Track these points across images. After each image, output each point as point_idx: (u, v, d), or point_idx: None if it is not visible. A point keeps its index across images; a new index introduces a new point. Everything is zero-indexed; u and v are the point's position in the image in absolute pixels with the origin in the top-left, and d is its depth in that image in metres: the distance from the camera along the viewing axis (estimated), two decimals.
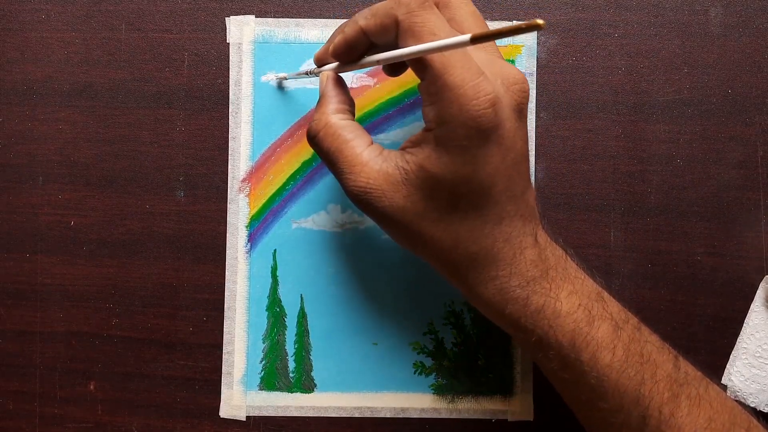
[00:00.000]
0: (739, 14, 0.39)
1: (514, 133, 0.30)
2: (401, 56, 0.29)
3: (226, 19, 0.40)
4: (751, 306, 0.39)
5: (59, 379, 0.40)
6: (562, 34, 0.40)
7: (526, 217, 0.32)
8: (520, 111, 0.31)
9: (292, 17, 0.40)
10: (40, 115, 0.40)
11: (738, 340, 0.39)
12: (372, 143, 0.32)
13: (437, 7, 0.32)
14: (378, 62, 0.32)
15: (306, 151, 0.40)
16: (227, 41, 0.40)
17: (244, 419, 0.39)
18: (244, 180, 0.40)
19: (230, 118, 0.40)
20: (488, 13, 0.40)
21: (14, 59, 0.40)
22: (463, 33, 0.30)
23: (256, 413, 0.39)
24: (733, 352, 0.39)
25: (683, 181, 0.39)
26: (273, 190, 0.40)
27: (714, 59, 0.39)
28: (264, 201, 0.40)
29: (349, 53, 0.33)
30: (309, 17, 0.40)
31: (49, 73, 0.40)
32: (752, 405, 0.38)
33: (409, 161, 0.31)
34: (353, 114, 0.34)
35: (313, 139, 0.33)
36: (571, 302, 0.31)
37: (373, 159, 0.31)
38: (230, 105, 0.40)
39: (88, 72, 0.40)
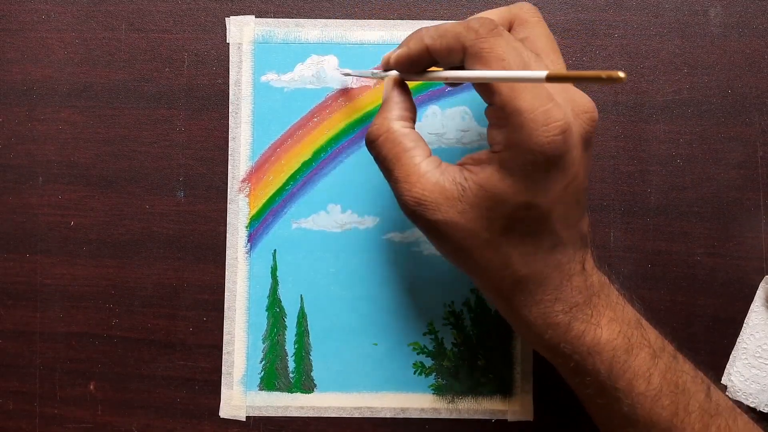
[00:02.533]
0: (739, 14, 0.39)
1: (579, 162, 0.30)
2: (470, 78, 0.30)
3: (226, 19, 0.40)
4: (751, 306, 0.39)
5: (59, 379, 0.40)
6: (562, 34, 0.40)
7: (578, 245, 0.32)
8: (588, 140, 0.31)
9: (292, 17, 0.40)
10: (40, 115, 0.40)
11: (738, 340, 0.39)
12: (431, 154, 0.32)
13: (514, 24, 0.33)
14: (444, 78, 0.32)
15: (306, 151, 0.40)
16: (227, 41, 0.40)
17: (244, 419, 0.39)
18: (244, 180, 0.40)
19: (230, 118, 0.40)
20: None
21: (14, 59, 0.40)
22: (536, 53, 0.31)
23: (256, 413, 0.39)
24: (733, 352, 0.39)
25: (683, 181, 0.39)
26: (273, 191, 0.40)
27: (714, 59, 0.39)
28: (264, 201, 0.40)
29: (410, 67, 0.33)
30: (309, 17, 0.40)
31: (49, 73, 0.40)
32: (752, 405, 0.38)
33: (468, 179, 0.30)
34: (414, 121, 0.34)
35: (371, 143, 0.33)
36: (612, 329, 0.31)
37: (431, 171, 0.31)
38: (230, 105, 0.40)
39: (88, 72, 0.40)
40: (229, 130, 0.40)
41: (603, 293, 0.32)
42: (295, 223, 0.39)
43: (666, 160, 0.39)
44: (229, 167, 0.40)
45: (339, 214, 0.39)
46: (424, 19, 0.40)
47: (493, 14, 0.33)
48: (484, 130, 0.39)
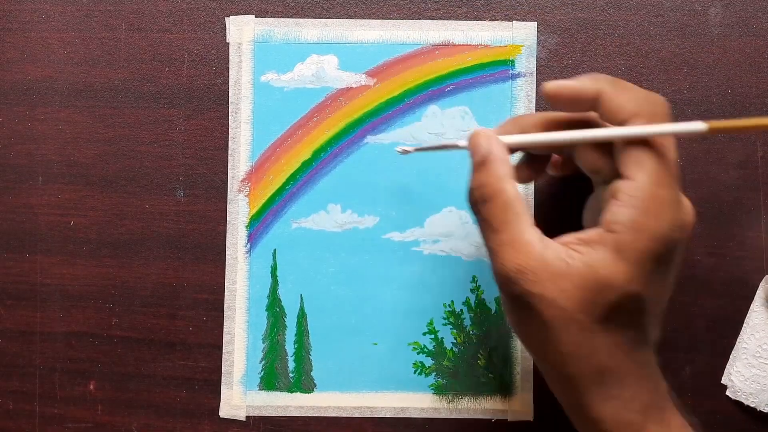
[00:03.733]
0: (739, 14, 0.39)
1: (680, 261, 0.30)
2: (633, 135, 0.29)
3: (226, 19, 0.40)
4: (751, 306, 0.39)
5: (59, 379, 0.40)
6: (562, 34, 0.40)
7: (655, 347, 0.31)
8: (685, 243, 0.31)
9: (292, 17, 0.40)
10: (40, 115, 0.40)
11: (738, 340, 0.39)
12: (534, 224, 0.30)
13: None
14: (589, 138, 0.30)
15: (306, 151, 0.40)
16: (227, 41, 0.40)
17: (244, 419, 0.39)
18: (244, 180, 0.40)
19: (230, 118, 0.40)
20: (488, 12, 0.40)
21: (14, 59, 0.40)
22: (664, 149, 0.30)
23: (256, 413, 0.39)
24: (733, 352, 0.39)
25: (683, 181, 0.39)
26: (273, 190, 0.40)
27: (714, 59, 0.39)
28: (264, 201, 0.40)
29: (566, 104, 0.31)
30: (309, 17, 0.40)
31: (49, 73, 0.40)
32: (752, 405, 0.38)
33: (574, 257, 0.29)
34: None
35: (480, 204, 0.31)
36: None
37: (535, 241, 0.29)
38: (230, 105, 0.40)
39: (88, 72, 0.40)
40: (229, 129, 0.40)
41: (670, 399, 0.31)
42: (295, 223, 0.39)
43: None
44: (229, 167, 0.40)
45: (339, 214, 0.39)
46: (424, 19, 0.40)
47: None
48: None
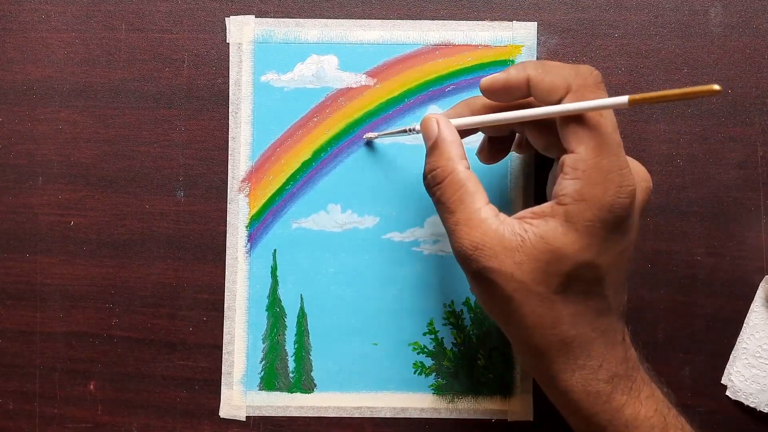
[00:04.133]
0: (739, 14, 0.39)
1: (634, 229, 0.31)
2: (563, 112, 0.30)
3: (226, 19, 0.40)
4: (751, 306, 0.39)
5: (59, 379, 0.40)
6: (562, 34, 0.40)
7: (620, 315, 0.32)
8: (642, 209, 0.32)
9: (292, 17, 0.40)
10: (40, 115, 0.40)
11: (738, 340, 0.39)
12: (488, 201, 0.32)
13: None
14: (522, 117, 0.31)
15: (306, 151, 0.40)
16: (227, 41, 0.40)
17: (244, 419, 0.39)
18: (244, 180, 0.40)
19: (230, 118, 0.40)
20: (488, 13, 0.40)
21: (14, 59, 0.40)
22: (601, 116, 0.30)
23: (256, 413, 0.39)
24: (733, 352, 0.39)
25: (683, 181, 0.39)
26: (273, 190, 0.40)
27: (714, 59, 0.39)
28: (264, 201, 0.40)
29: (502, 95, 0.32)
30: (309, 17, 0.40)
31: (49, 73, 0.40)
32: (752, 405, 0.38)
33: (528, 230, 0.30)
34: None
35: (436, 186, 0.32)
36: (649, 406, 0.31)
37: (490, 218, 0.31)
38: (230, 105, 0.40)
39: (88, 72, 0.40)
40: (229, 129, 0.40)
41: (640, 368, 0.32)
42: (295, 223, 0.39)
43: (666, 160, 0.39)
44: (229, 167, 0.40)
45: (339, 214, 0.39)
46: (424, 19, 0.40)
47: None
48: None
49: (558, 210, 0.30)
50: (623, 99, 0.27)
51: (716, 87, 0.23)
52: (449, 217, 0.31)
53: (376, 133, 0.39)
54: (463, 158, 0.32)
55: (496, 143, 0.36)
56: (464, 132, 0.34)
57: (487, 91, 0.33)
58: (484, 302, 0.32)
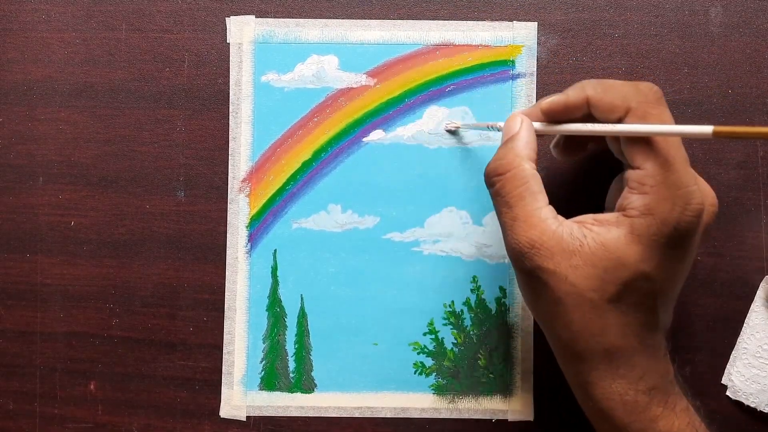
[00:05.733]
0: (739, 14, 0.39)
1: (696, 248, 0.31)
2: (632, 132, 0.29)
3: (226, 19, 0.40)
4: (751, 306, 0.39)
5: (59, 379, 0.40)
6: (562, 34, 0.40)
7: (665, 331, 0.32)
8: (706, 231, 0.31)
9: (292, 17, 0.40)
10: (40, 115, 0.40)
11: (738, 340, 0.39)
12: (548, 203, 0.31)
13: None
14: (594, 132, 0.31)
15: (306, 151, 0.40)
16: (227, 41, 0.40)
17: (244, 419, 0.39)
18: (244, 180, 0.40)
19: (230, 118, 0.40)
20: (488, 12, 0.40)
21: (14, 59, 0.40)
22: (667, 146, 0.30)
23: (257, 413, 0.39)
24: (733, 352, 0.39)
25: None
26: (273, 190, 0.40)
27: (714, 59, 0.39)
28: (264, 201, 0.40)
29: (561, 115, 0.32)
30: (309, 17, 0.40)
31: (49, 73, 0.40)
32: (752, 405, 0.38)
33: (587, 236, 0.30)
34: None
35: (497, 177, 0.32)
36: (683, 419, 0.31)
37: (550, 218, 0.30)
38: (230, 105, 0.40)
39: (88, 72, 0.40)
40: (230, 130, 0.40)
41: (674, 382, 0.32)
42: (295, 223, 0.39)
43: None
44: (230, 167, 0.40)
45: (339, 214, 0.39)
46: (424, 19, 0.40)
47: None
48: (484, 129, 0.39)
49: (623, 221, 0.30)
50: (707, 129, 0.27)
51: None
52: (507, 211, 0.31)
53: (459, 123, 0.39)
54: (532, 159, 0.32)
55: (574, 138, 0.36)
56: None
57: (547, 114, 0.32)
58: (531, 302, 0.32)
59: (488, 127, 0.36)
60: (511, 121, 0.33)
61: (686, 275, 0.31)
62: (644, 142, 0.30)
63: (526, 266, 0.30)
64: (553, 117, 0.32)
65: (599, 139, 0.35)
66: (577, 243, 0.30)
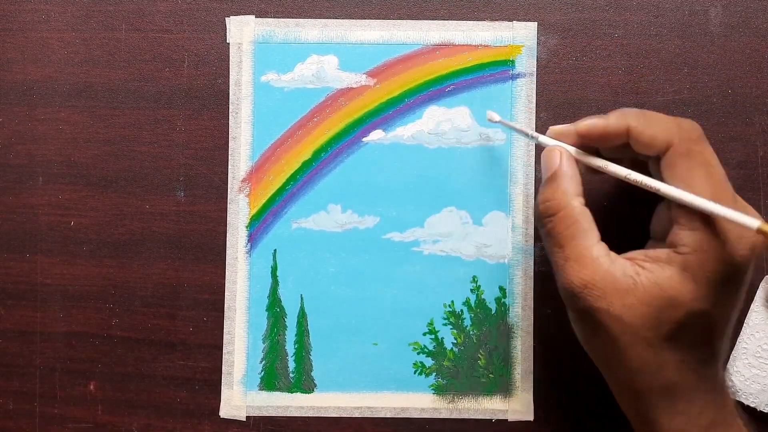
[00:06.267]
0: (739, 14, 0.39)
1: (748, 281, 0.30)
2: (676, 197, 0.29)
3: (226, 19, 0.40)
4: (751, 306, 0.39)
5: (59, 379, 0.40)
6: (562, 34, 0.40)
7: (724, 363, 0.31)
8: (758, 258, 0.32)
9: (292, 17, 0.40)
10: (40, 115, 0.40)
11: (738, 340, 0.39)
12: (600, 240, 0.31)
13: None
14: (634, 182, 0.31)
15: (306, 151, 0.40)
16: (227, 41, 0.40)
17: (244, 419, 0.39)
18: (244, 180, 0.40)
19: (230, 118, 0.40)
20: (488, 13, 0.40)
21: (14, 59, 0.40)
22: (710, 171, 0.30)
23: (256, 413, 0.39)
24: (733, 352, 0.39)
25: None
26: (273, 190, 0.40)
27: (714, 59, 0.39)
28: (264, 201, 0.40)
29: (599, 142, 0.32)
30: (309, 17, 0.40)
31: (49, 73, 0.40)
32: (752, 405, 0.38)
33: (641, 274, 0.29)
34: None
35: (546, 218, 0.32)
36: None
37: (602, 257, 0.30)
38: (230, 105, 0.40)
39: (88, 72, 0.40)
40: (229, 130, 0.40)
41: (736, 414, 0.32)
42: (295, 223, 0.39)
43: None
44: (229, 167, 0.40)
45: (339, 214, 0.39)
46: (424, 19, 0.40)
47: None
48: (484, 130, 0.39)
49: (675, 258, 0.29)
50: (753, 222, 0.27)
51: None
52: (559, 251, 0.31)
53: (499, 117, 0.37)
54: (579, 194, 0.32)
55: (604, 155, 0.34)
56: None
57: (584, 137, 0.32)
58: (587, 341, 0.31)
59: (527, 135, 0.35)
60: (550, 154, 0.32)
61: (741, 306, 0.31)
62: (690, 175, 0.29)
63: (580, 306, 0.30)
64: (588, 140, 0.32)
65: (634, 157, 0.34)
66: (630, 281, 0.29)
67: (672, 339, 0.29)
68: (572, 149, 0.33)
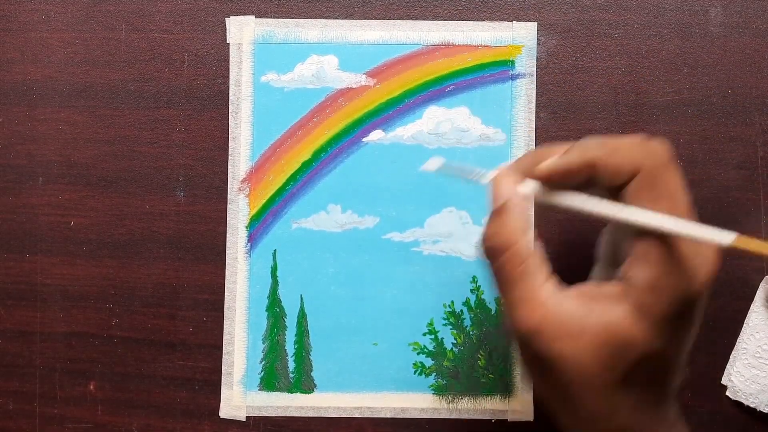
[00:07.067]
0: (739, 14, 0.39)
1: (701, 313, 0.28)
2: (644, 223, 0.27)
3: (226, 19, 0.40)
4: (751, 306, 0.39)
5: (59, 379, 0.40)
6: (562, 34, 0.40)
7: (673, 399, 0.30)
8: (708, 293, 0.29)
9: (292, 17, 0.40)
10: (40, 115, 0.40)
11: (738, 340, 0.39)
12: (551, 275, 0.29)
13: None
14: (598, 215, 0.28)
15: (306, 151, 0.40)
16: (227, 41, 0.40)
17: (244, 419, 0.39)
18: (244, 180, 0.40)
19: (230, 118, 0.40)
20: (488, 13, 0.40)
21: (14, 59, 0.40)
22: (675, 202, 0.28)
23: (256, 413, 0.39)
24: (733, 353, 0.39)
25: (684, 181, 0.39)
26: (273, 191, 0.40)
27: (714, 59, 0.39)
28: (264, 201, 0.40)
29: (561, 181, 0.29)
30: (309, 17, 0.40)
31: (49, 73, 0.40)
32: (752, 405, 0.38)
33: (593, 314, 0.27)
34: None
35: (494, 258, 0.29)
36: None
37: (552, 297, 0.28)
38: (230, 105, 0.40)
39: (88, 72, 0.40)
40: (229, 130, 0.40)
41: None
42: (295, 223, 0.40)
43: None
44: (229, 167, 0.40)
45: (339, 214, 0.39)
46: (424, 19, 0.40)
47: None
48: (485, 129, 0.39)
49: (629, 295, 0.27)
50: (728, 237, 0.25)
51: None
52: (508, 292, 0.29)
53: (441, 161, 0.33)
54: (529, 229, 0.29)
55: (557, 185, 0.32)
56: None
57: (546, 178, 0.29)
58: (538, 385, 0.30)
59: (471, 174, 0.32)
60: (498, 183, 0.30)
61: (695, 338, 0.29)
62: (656, 209, 0.27)
63: (530, 351, 0.28)
64: (551, 181, 0.30)
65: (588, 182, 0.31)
66: (582, 322, 0.27)
67: (625, 382, 0.28)
68: (530, 187, 0.30)
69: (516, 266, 0.28)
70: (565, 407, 0.29)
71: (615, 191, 0.29)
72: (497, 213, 0.29)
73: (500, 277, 0.29)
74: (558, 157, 0.29)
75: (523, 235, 0.29)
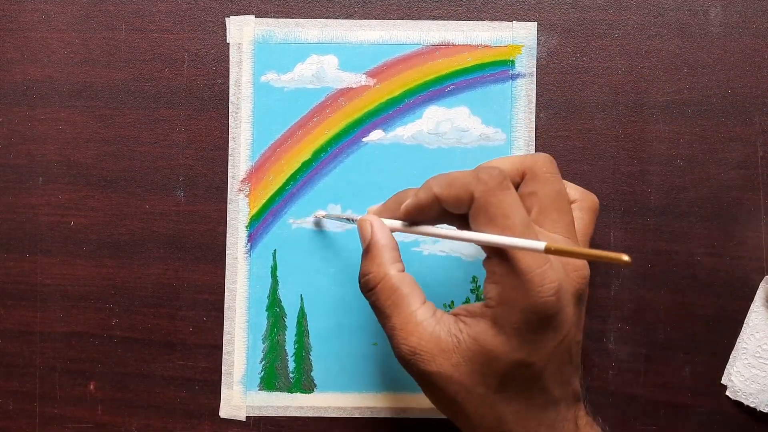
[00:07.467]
0: (739, 14, 0.39)
1: (571, 318, 0.30)
2: (468, 240, 0.30)
3: (226, 19, 0.40)
4: (751, 306, 0.39)
5: (59, 379, 0.40)
6: (562, 34, 0.40)
7: (570, 402, 0.31)
8: (579, 297, 0.31)
9: (292, 17, 0.40)
10: (40, 115, 0.40)
11: (738, 340, 0.39)
12: (425, 300, 0.32)
13: (526, 176, 0.32)
14: (444, 237, 0.32)
15: (306, 151, 0.40)
16: (227, 41, 0.40)
17: (244, 419, 0.39)
18: (244, 180, 0.40)
19: (230, 118, 0.40)
20: (488, 13, 0.40)
21: (14, 59, 0.40)
22: (541, 211, 0.31)
23: (256, 413, 0.39)
24: (733, 352, 0.39)
25: (683, 181, 0.39)
26: (273, 190, 0.40)
27: (714, 59, 0.39)
28: (264, 201, 0.40)
29: (420, 216, 0.32)
30: (309, 17, 0.40)
31: (49, 73, 0.40)
32: (752, 405, 0.38)
33: (463, 330, 0.30)
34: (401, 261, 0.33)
35: (368, 292, 0.32)
36: None
37: (426, 320, 0.31)
38: (230, 105, 0.40)
39: (88, 72, 0.40)
40: (229, 130, 0.40)
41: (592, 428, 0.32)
42: (295, 223, 0.40)
43: (666, 160, 0.39)
44: (229, 167, 0.40)
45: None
46: (424, 19, 0.40)
47: (506, 163, 0.33)
48: (485, 129, 0.39)
49: (486, 312, 0.30)
50: (540, 245, 0.27)
51: (626, 258, 0.24)
52: (386, 321, 0.32)
53: (325, 213, 0.39)
54: (396, 261, 0.32)
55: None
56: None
57: (407, 218, 0.33)
58: (434, 402, 0.32)
59: (349, 220, 0.37)
60: (362, 225, 0.33)
61: (571, 345, 0.31)
62: (489, 229, 0.29)
63: (414, 372, 0.31)
64: (413, 219, 0.33)
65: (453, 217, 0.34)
66: (454, 340, 0.30)
67: (502, 391, 0.30)
68: (398, 223, 0.33)
69: (388, 296, 0.31)
70: (457, 417, 0.31)
71: (467, 219, 0.31)
72: (365, 252, 0.33)
73: (376, 309, 0.32)
74: (411, 197, 0.32)
75: (389, 268, 0.32)
